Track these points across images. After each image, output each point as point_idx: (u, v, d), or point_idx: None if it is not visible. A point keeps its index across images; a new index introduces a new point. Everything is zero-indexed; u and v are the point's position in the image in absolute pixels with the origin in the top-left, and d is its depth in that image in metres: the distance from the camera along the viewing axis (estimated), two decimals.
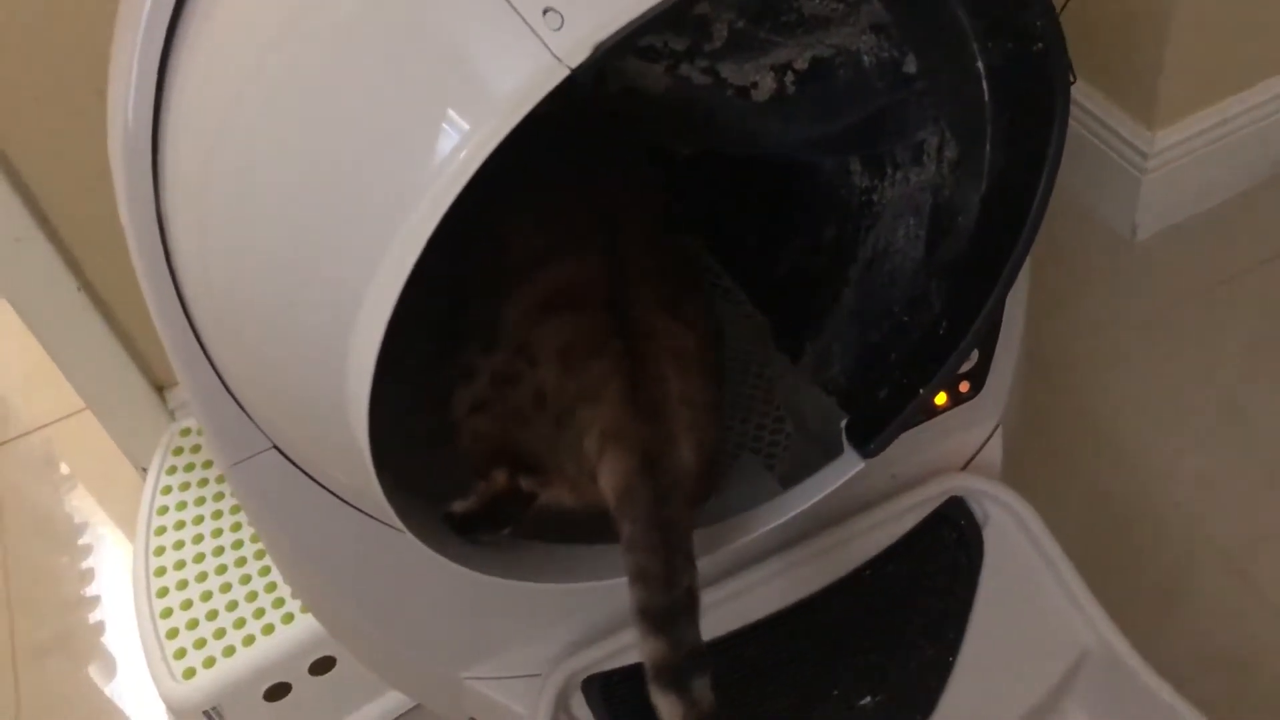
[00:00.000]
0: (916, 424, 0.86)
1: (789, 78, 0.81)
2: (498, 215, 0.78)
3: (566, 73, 0.51)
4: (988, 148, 0.73)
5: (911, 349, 0.81)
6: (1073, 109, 0.69)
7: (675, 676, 0.68)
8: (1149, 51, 1.27)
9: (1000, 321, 0.86)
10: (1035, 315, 0.92)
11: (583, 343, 0.74)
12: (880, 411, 0.80)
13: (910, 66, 0.77)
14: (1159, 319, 1.34)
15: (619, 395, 0.72)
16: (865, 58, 0.78)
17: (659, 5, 0.52)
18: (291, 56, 0.58)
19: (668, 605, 0.69)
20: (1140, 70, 1.29)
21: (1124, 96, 1.34)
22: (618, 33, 0.52)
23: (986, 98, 0.72)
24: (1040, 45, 0.67)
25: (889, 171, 0.83)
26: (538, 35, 0.52)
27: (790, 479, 0.85)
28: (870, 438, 0.80)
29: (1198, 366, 1.29)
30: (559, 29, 0.52)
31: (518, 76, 0.52)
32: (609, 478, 0.71)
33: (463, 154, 0.52)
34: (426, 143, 0.54)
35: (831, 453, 0.83)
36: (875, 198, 0.85)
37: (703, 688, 0.68)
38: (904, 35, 0.76)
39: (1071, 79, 0.68)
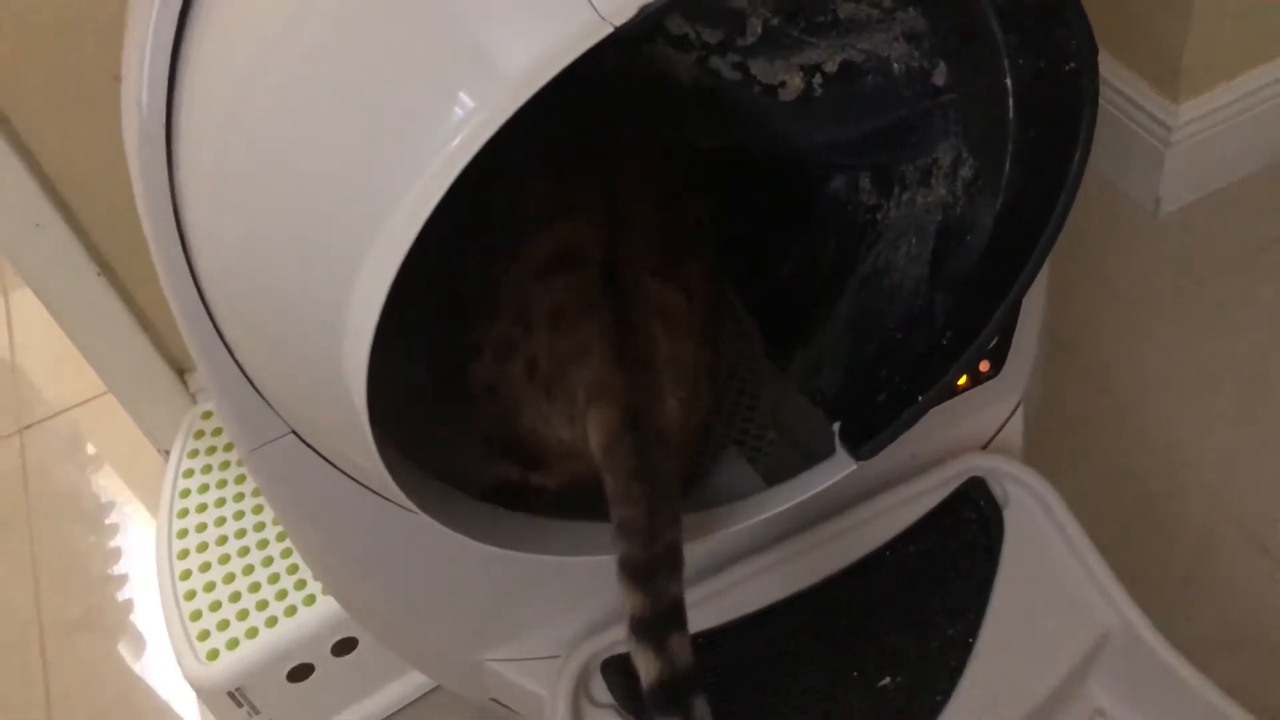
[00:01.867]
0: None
1: (817, 79, 0.81)
2: (507, 177, 0.78)
3: (610, 30, 0.51)
4: (1007, 165, 0.73)
5: (907, 363, 0.81)
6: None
7: (652, 631, 0.69)
8: (1173, 22, 1.25)
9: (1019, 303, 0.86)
10: (1056, 291, 0.92)
11: (573, 304, 0.74)
12: (876, 415, 0.80)
13: (939, 78, 0.76)
14: (1183, 293, 1.33)
15: (605, 352, 0.73)
16: (895, 65, 0.78)
17: None
18: (315, 16, 0.58)
19: (648, 559, 0.69)
20: (1164, 41, 1.28)
21: (1147, 68, 1.32)
22: None
23: (1011, 114, 0.72)
24: (1072, 65, 0.66)
25: (896, 191, 0.83)
26: None
27: (773, 479, 0.85)
28: (864, 440, 0.80)
29: (1222, 341, 1.28)
30: None
31: (559, 30, 0.52)
32: (594, 431, 0.71)
33: (488, 111, 0.52)
34: (457, 93, 0.54)
35: (815, 461, 0.83)
36: (879, 216, 0.85)
37: (680, 644, 0.69)
38: (936, 45, 0.75)
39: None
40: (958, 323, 0.78)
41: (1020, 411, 0.94)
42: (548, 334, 0.74)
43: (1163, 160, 1.35)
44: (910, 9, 0.75)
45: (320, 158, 0.59)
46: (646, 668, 0.69)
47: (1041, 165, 0.72)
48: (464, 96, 0.53)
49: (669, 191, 0.83)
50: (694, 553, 0.79)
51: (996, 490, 0.91)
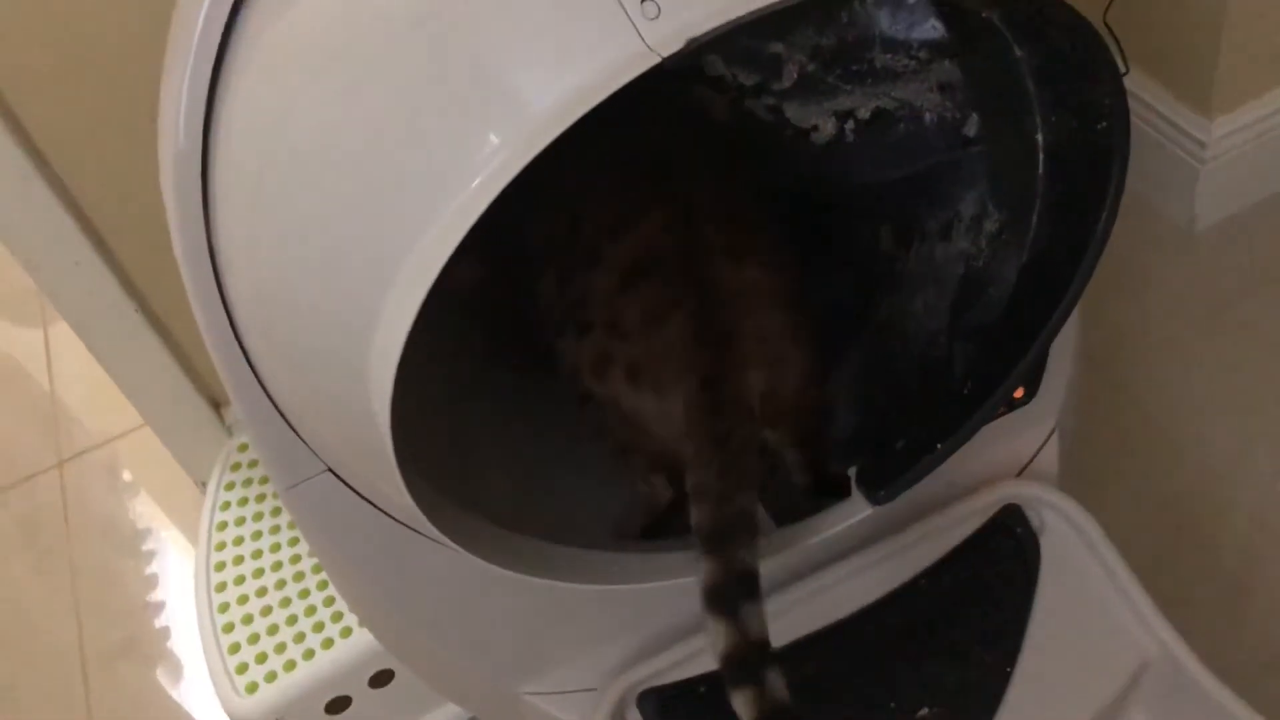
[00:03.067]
0: None
1: (849, 124, 0.82)
2: (563, 191, 0.79)
3: (657, 60, 0.53)
4: (1034, 219, 0.73)
5: (925, 411, 0.81)
6: (1128, 99, 0.68)
7: (725, 599, 0.68)
8: (1205, 38, 1.24)
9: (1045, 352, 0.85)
10: (1091, 311, 0.91)
11: (660, 306, 0.75)
12: (894, 460, 0.80)
13: (970, 129, 0.77)
14: (1219, 311, 1.32)
15: (687, 333, 0.73)
16: (927, 115, 0.79)
17: (748, 14, 0.54)
18: (350, 55, 0.59)
19: (719, 522, 0.69)
20: (1196, 57, 1.27)
21: (1180, 85, 1.32)
22: (711, 30, 0.53)
23: (1041, 170, 0.72)
24: (1104, 124, 0.66)
25: (915, 243, 0.83)
26: (633, 22, 0.53)
27: (783, 519, 0.85)
28: (882, 485, 0.81)
29: (1260, 360, 1.27)
30: (655, 18, 0.53)
31: (607, 60, 0.53)
32: (676, 401, 0.72)
33: (529, 131, 0.53)
34: (488, 132, 0.55)
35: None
36: (897, 268, 0.85)
37: (752, 613, 0.68)
38: (969, 98, 0.76)
39: (1124, 69, 0.67)
40: (979, 371, 0.79)
41: (1055, 436, 0.94)
42: (642, 339, 0.75)
43: (1197, 177, 1.34)
44: (946, 61, 0.75)
45: (350, 192, 0.60)
46: (717, 638, 0.68)
47: (1068, 221, 0.72)
48: (493, 137, 0.54)
49: (726, 164, 0.83)
50: None
51: (1032, 517, 0.90)
